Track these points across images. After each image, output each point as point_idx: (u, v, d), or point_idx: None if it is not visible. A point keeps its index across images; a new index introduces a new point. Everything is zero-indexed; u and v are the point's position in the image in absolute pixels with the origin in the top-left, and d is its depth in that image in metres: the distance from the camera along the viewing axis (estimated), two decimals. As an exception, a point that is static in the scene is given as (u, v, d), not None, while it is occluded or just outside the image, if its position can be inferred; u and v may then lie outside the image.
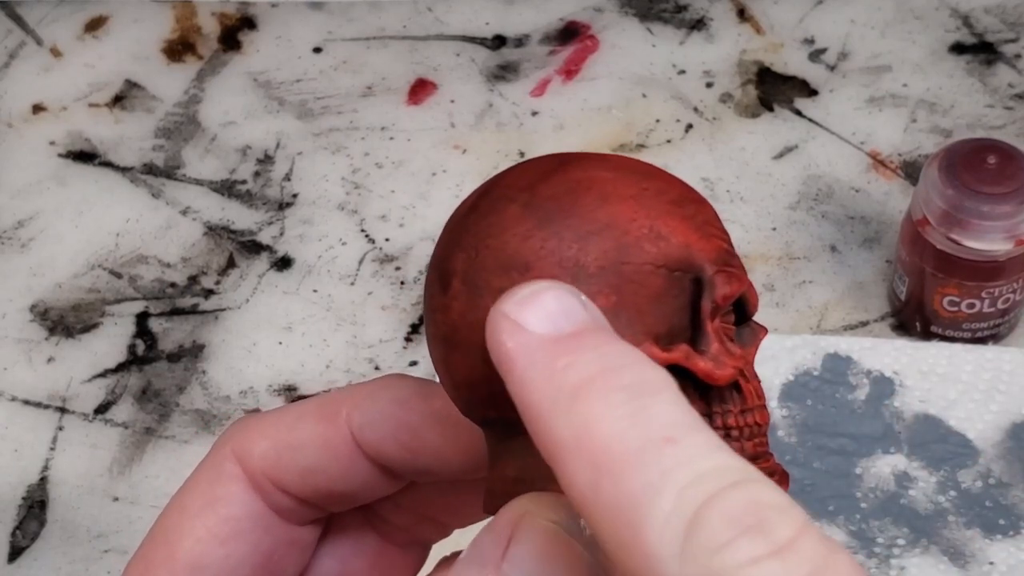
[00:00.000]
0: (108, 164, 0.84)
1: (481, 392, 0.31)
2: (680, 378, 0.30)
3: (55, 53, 0.89)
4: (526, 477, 0.31)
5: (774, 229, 0.78)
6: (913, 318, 0.73)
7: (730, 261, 0.31)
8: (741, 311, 0.32)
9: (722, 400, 0.31)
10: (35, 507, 0.70)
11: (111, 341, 0.76)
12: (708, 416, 0.31)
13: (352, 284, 0.77)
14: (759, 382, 0.32)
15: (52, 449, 0.72)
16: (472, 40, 0.89)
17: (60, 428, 0.72)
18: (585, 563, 0.28)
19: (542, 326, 0.27)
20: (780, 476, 0.32)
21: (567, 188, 0.31)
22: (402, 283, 0.77)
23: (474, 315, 0.31)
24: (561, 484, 0.25)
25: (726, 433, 0.31)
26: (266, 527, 0.35)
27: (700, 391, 0.31)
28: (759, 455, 0.31)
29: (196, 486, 0.35)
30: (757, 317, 0.33)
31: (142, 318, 0.77)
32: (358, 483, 0.35)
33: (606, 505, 0.24)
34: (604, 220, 0.30)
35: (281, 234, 0.80)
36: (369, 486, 0.36)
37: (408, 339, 0.75)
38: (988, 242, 0.68)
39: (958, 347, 0.71)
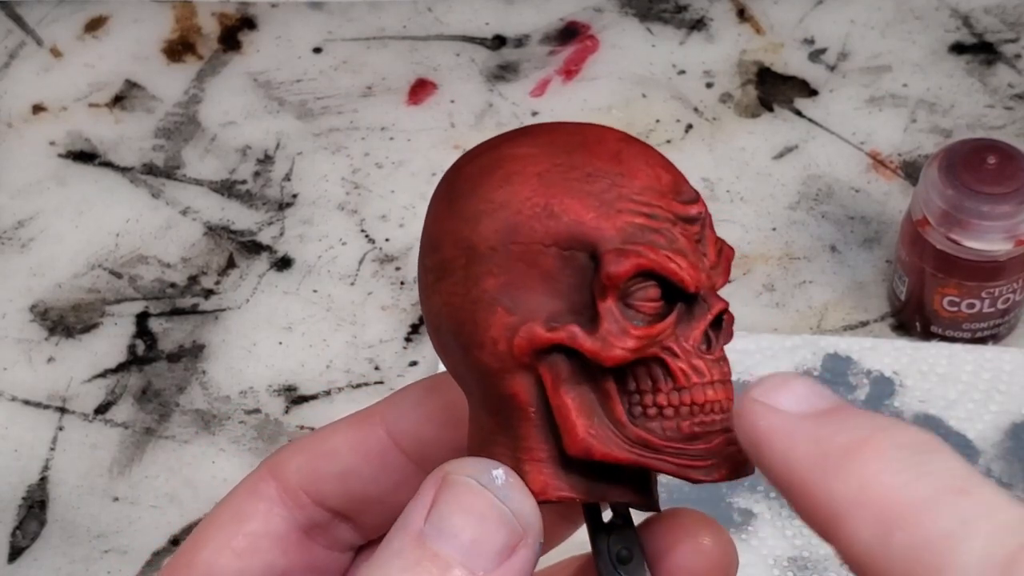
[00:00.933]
0: (108, 164, 0.84)
1: (443, 359, 0.32)
2: (580, 358, 0.30)
3: (55, 53, 0.89)
4: (468, 447, 0.32)
5: (774, 229, 0.78)
6: (913, 318, 0.73)
7: (640, 237, 0.30)
8: (672, 289, 0.30)
9: (651, 378, 0.30)
10: (35, 507, 0.70)
11: (111, 341, 0.76)
12: (628, 395, 0.30)
13: (352, 284, 0.77)
14: (713, 358, 0.31)
15: (52, 449, 0.72)
16: (472, 40, 0.88)
17: (60, 428, 0.72)
18: (500, 512, 0.29)
19: (798, 406, 0.27)
20: (721, 461, 0.31)
21: (482, 167, 0.31)
22: (402, 283, 0.77)
23: (422, 293, 0.32)
24: (841, 543, 0.26)
25: (658, 411, 0.30)
26: (285, 548, 0.36)
27: (618, 372, 0.30)
28: (699, 435, 0.30)
29: (230, 501, 0.36)
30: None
31: (142, 318, 0.77)
32: (392, 483, 0.36)
33: (898, 556, 0.25)
34: (500, 199, 0.30)
35: (281, 234, 0.80)
36: (405, 488, 0.36)
37: (408, 339, 0.75)
38: (988, 242, 0.68)
39: (958, 347, 0.71)
